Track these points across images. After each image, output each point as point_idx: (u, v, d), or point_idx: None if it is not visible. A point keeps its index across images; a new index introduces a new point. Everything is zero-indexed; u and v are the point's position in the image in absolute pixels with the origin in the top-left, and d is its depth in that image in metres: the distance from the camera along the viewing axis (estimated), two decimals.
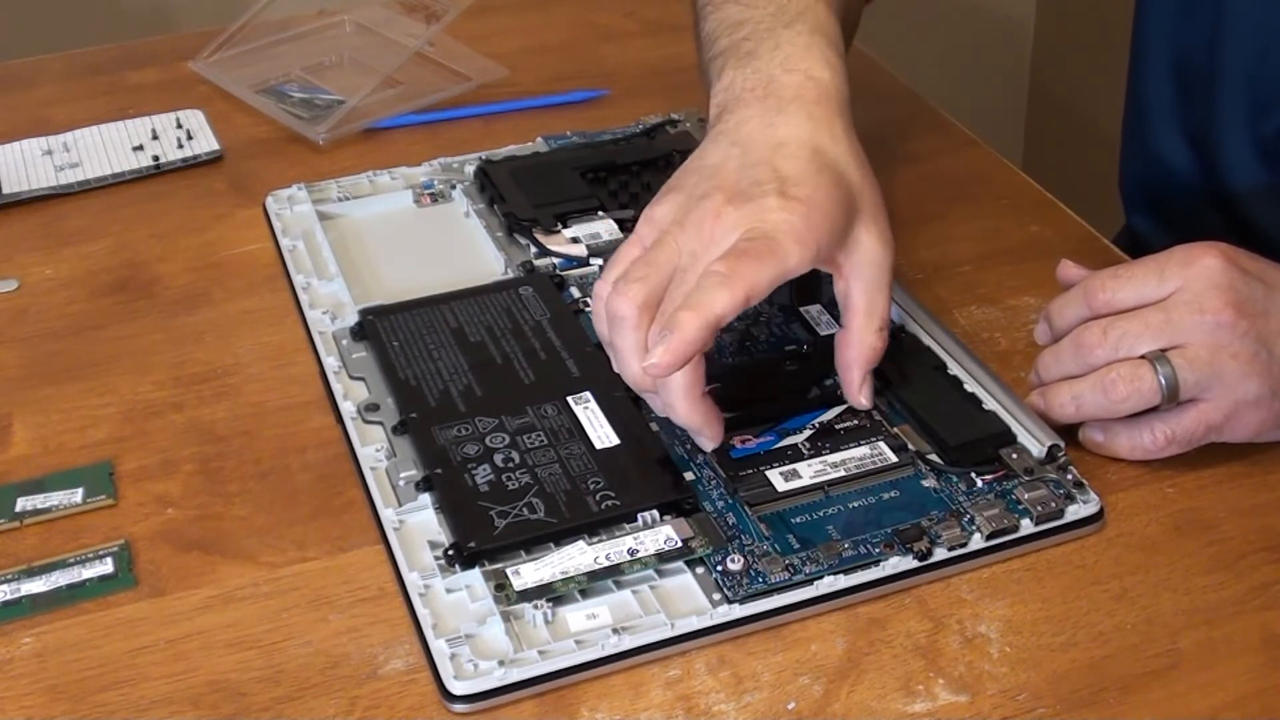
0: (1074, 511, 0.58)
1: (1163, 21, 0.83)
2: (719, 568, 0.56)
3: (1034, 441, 0.61)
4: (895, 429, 0.62)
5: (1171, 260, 0.60)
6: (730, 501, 0.59)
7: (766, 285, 0.57)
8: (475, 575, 0.55)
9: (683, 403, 0.58)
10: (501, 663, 0.52)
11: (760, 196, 0.59)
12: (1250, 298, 0.58)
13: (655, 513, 0.57)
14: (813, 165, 0.60)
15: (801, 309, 0.70)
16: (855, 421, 0.62)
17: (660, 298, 0.58)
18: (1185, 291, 0.59)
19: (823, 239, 0.59)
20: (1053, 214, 0.81)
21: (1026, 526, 0.58)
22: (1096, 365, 0.60)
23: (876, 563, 0.56)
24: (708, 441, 0.60)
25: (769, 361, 0.67)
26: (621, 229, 0.76)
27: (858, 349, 0.61)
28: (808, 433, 0.62)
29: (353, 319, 0.70)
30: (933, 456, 0.61)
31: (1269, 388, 0.58)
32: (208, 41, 0.98)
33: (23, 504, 0.61)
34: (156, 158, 0.87)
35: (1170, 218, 0.87)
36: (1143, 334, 0.59)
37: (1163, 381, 0.58)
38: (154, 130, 0.90)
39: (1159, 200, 0.88)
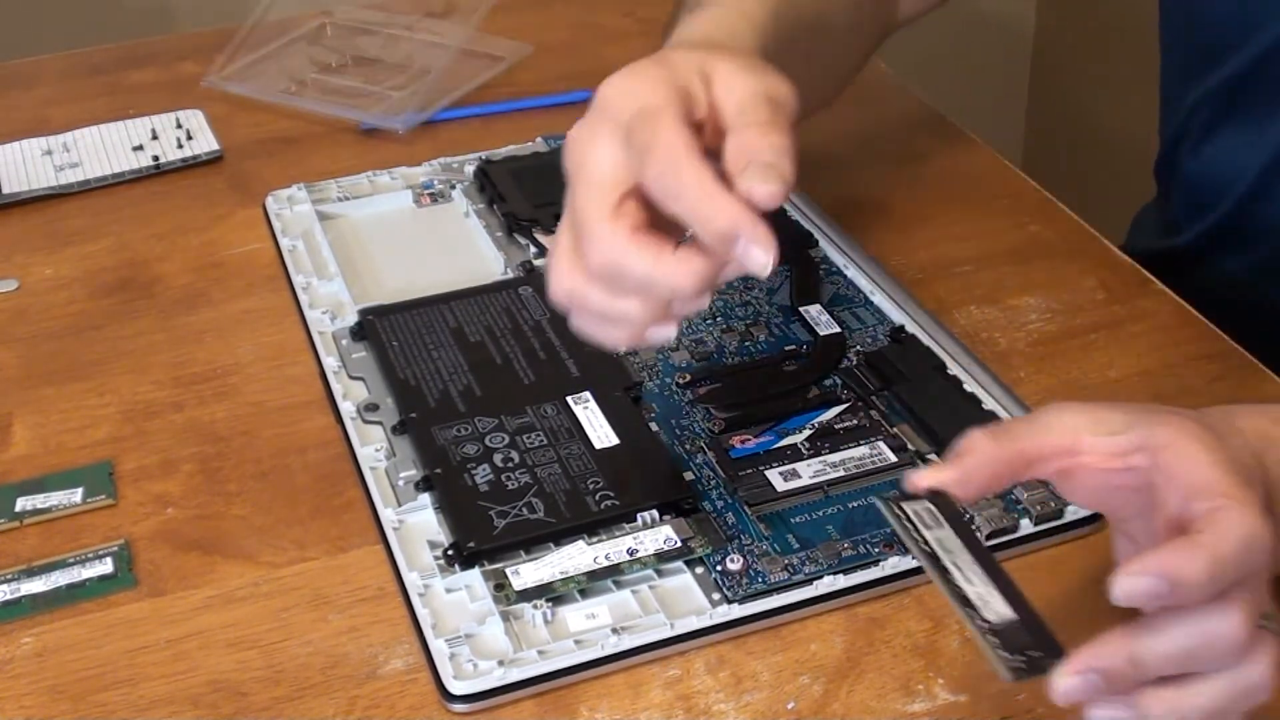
0: (1074, 511, 0.58)
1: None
2: (718, 568, 0.56)
3: None
4: (895, 429, 0.62)
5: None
6: (730, 501, 0.59)
7: None
8: (475, 575, 0.55)
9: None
10: (501, 662, 0.52)
11: None
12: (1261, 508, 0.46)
13: (655, 513, 0.57)
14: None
15: (801, 309, 0.70)
16: (855, 421, 0.62)
17: None
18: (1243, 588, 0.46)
19: None
20: (1053, 214, 0.81)
21: (1026, 526, 0.58)
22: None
23: (876, 563, 0.56)
24: (760, 254, 0.48)
25: (769, 361, 0.67)
26: None
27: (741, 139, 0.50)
28: (807, 433, 0.62)
29: (352, 319, 0.70)
30: (932, 456, 0.61)
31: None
32: (205, 47, 0.98)
33: (23, 504, 0.61)
34: (156, 158, 0.87)
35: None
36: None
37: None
38: (154, 130, 0.90)
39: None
